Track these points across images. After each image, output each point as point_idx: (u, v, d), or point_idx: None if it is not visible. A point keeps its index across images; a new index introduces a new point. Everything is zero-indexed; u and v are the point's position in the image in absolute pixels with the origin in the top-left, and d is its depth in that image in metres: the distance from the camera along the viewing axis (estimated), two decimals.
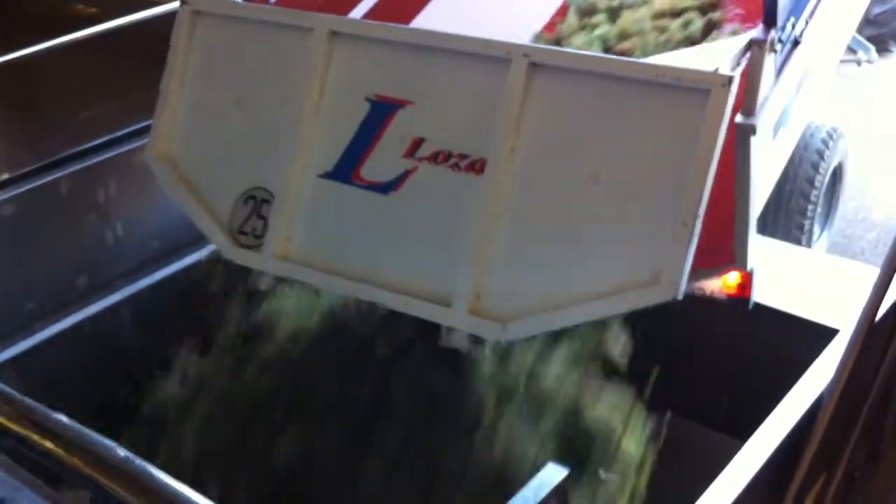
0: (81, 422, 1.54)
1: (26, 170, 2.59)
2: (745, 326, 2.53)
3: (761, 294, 2.51)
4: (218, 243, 2.17)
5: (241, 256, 2.14)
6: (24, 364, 2.64)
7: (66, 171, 2.64)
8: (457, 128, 1.98)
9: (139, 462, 0.97)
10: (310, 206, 2.07)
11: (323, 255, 2.05)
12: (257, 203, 2.09)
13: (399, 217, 1.98)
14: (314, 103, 2.09)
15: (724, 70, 1.77)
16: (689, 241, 1.71)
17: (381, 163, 2.03)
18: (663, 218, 1.74)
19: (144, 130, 2.74)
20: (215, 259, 2.92)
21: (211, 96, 2.26)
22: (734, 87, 1.73)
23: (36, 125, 3.10)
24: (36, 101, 3.33)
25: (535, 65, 1.89)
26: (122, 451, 0.98)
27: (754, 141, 1.81)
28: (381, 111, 2.05)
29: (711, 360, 2.59)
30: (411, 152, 2.00)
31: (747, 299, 2.50)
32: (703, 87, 1.74)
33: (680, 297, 1.69)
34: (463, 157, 1.94)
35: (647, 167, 1.79)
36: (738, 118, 1.81)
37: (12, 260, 2.58)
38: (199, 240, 3.00)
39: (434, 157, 1.97)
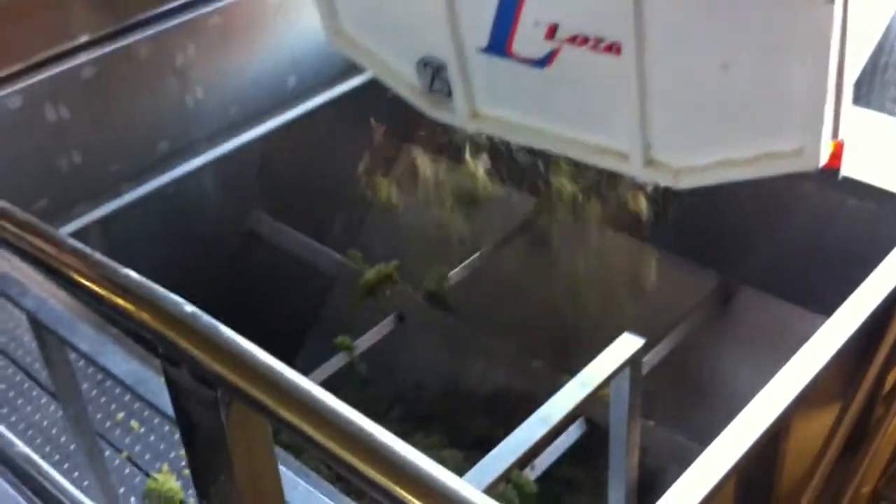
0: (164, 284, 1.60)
1: (105, 32, 2.58)
2: (832, 198, 2.45)
3: (851, 166, 2.42)
4: (418, 104, 2.28)
5: (439, 113, 2.28)
6: (110, 225, 2.71)
7: (145, 34, 2.62)
8: (584, 13, 2.01)
9: (206, 318, 0.98)
10: (480, 76, 2.18)
11: (504, 116, 2.20)
12: (434, 69, 2.18)
13: (560, 88, 2.08)
14: None
15: None
16: (822, 119, 1.78)
17: (527, 42, 2.10)
18: (797, 99, 1.79)
19: None
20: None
21: None
22: None
23: None
24: None
25: None
26: (189, 307, 0.99)
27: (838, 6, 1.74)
28: None
29: (796, 233, 2.53)
30: (551, 35, 2.06)
31: (837, 170, 2.41)
32: None
33: (820, 166, 1.85)
34: (598, 40, 1.99)
35: (775, 54, 1.77)
36: None
37: (95, 122, 2.60)
38: (276, 106, 3.01)
39: (573, 40, 2.03)
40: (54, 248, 1.05)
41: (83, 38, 2.54)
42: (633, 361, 1.48)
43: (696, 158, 1.99)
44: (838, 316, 1.94)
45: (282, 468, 1.83)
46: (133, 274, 1.03)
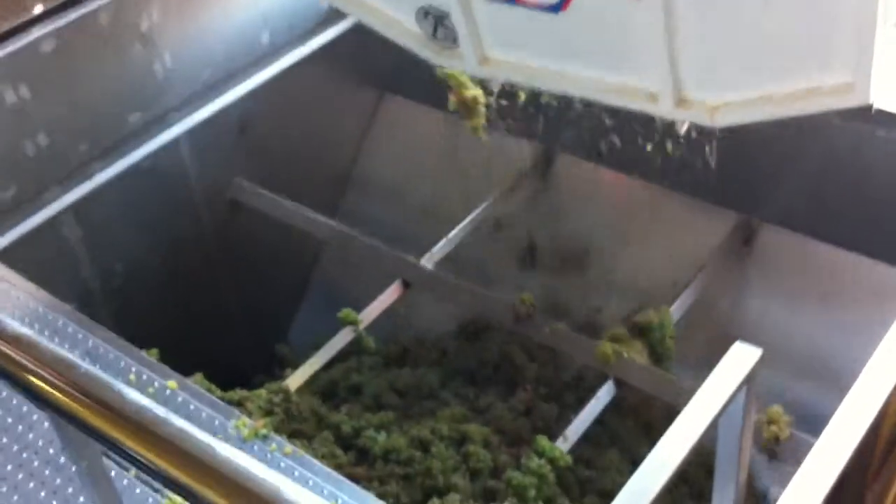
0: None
1: (61, 0, 2.36)
2: (859, 130, 2.30)
3: (880, 96, 2.27)
4: (423, 53, 2.07)
5: (447, 61, 2.09)
6: (84, 209, 2.51)
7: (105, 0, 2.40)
8: None
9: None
10: (487, 23, 1.98)
11: (518, 60, 2.01)
12: (436, 17, 1.99)
13: (579, 31, 1.89)
14: None
15: None
16: (872, 52, 1.61)
17: None
18: (845, 28, 1.62)
19: None
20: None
21: None
22: None
23: None
24: None
25: None
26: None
27: None
28: None
29: (820, 167, 2.39)
30: None
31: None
32: None
33: (870, 103, 1.66)
34: None
35: None
36: None
37: (58, 100, 2.38)
38: (250, 65, 2.81)
39: None
40: None
41: (38, 9, 2.31)
42: (751, 377, 1.23)
43: (734, 94, 1.82)
44: None
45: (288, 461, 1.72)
46: None
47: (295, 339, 3.13)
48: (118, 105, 2.53)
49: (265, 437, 1.77)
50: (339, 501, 1.66)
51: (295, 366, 2.75)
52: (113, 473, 1.69)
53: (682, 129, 2.27)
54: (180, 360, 2.29)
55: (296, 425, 2.26)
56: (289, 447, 1.75)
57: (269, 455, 1.74)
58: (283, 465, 1.72)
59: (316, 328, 3.01)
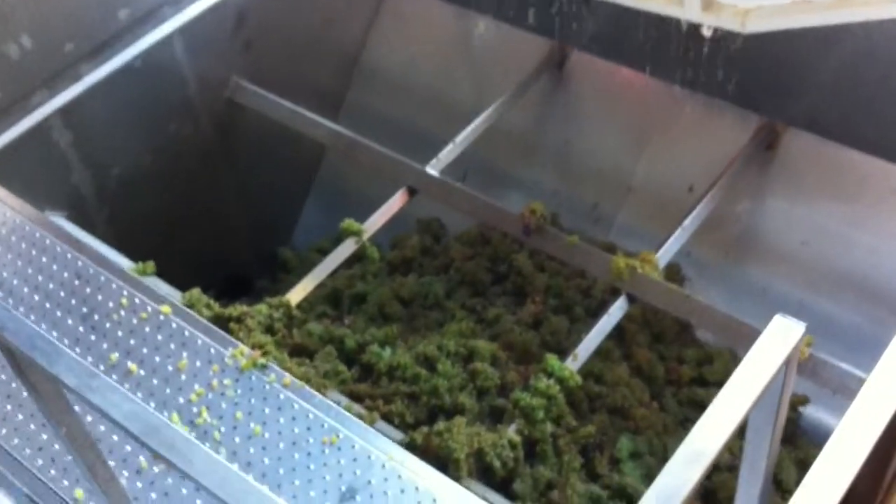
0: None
1: None
2: (883, 27, 2.14)
3: None
4: None
5: None
6: (74, 112, 2.40)
7: None
8: None
9: None
10: None
11: None
12: None
13: None
14: None
15: None
16: None
17: None
18: None
19: None
20: None
21: None
22: None
23: None
24: None
25: None
26: None
27: None
28: None
29: (844, 67, 2.24)
30: None
31: None
32: None
33: None
34: None
35: None
36: None
37: None
38: None
39: None
40: None
41: None
42: (791, 356, 1.06)
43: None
44: None
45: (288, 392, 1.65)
46: None
47: (298, 244, 3.05)
48: (105, 0, 2.38)
49: (263, 367, 1.70)
50: (341, 435, 1.60)
51: (298, 271, 2.67)
52: None
53: (707, 31, 2.13)
54: (179, 267, 2.22)
55: (297, 340, 2.19)
56: (288, 378, 1.68)
57: (266, 386, 1.67)
58: (282, 396, 1.66)
59: (319, 233, 2.93)
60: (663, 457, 2.14)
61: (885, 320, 2.32)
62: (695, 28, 2.26)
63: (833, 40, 2.20)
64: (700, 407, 2.28)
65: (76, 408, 1.16)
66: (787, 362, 1.02)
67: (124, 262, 2.08)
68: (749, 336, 2.06)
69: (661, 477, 0.93)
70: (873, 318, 2.34)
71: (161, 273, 2.09)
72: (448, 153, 2.50)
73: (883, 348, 1.17)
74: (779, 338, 1.03)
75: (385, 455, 1.57)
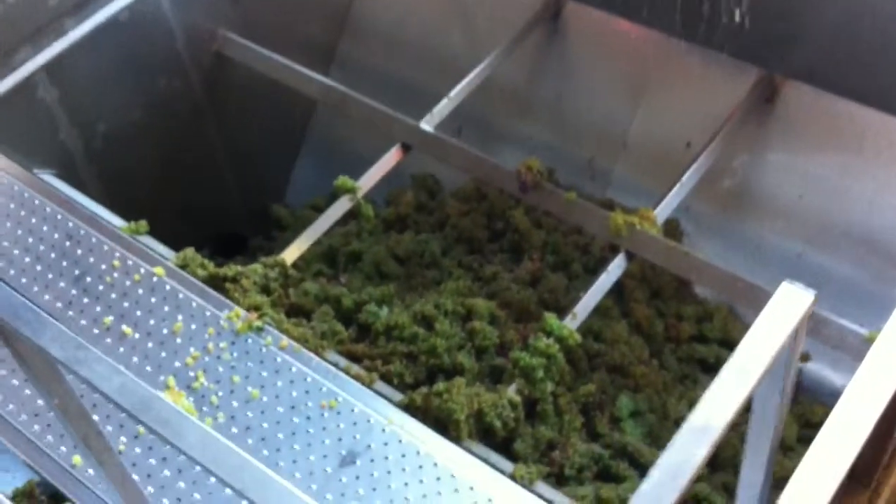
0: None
1: None
2: None
3: None
4: None
5: None
6: (60, 68, 2.34)
7: None
8: None
9: None
10: None
11: None
12: None
13: None
14: None
15: None
16: None
17: None
18: None
19: None
20: None
21: None
22: None
23: None
24: None
25: None
26: None
27: None
28: None
29: (845, 17, 2.20)
30: None
31: None
32: None
33: None
34: None
35: None
36: None
37: None
38: None
39: None
40: None
41: None
42: (800, 326, 1.02)
43: None
44: None
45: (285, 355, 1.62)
46: None
47: (292, 201, 3.01)
48: None
49: (259, 330, 1.67)
50: (339, 399, 1.58)
51: (293, 228, 2.64)
52: None
53: None
54: (172, 225, 2.19)
55: (294, 300, 2.16)
56: (285, 340, 1.66)
57: (263, 349, 1.65)
58: (279, 360, 1.63)
59: (312, 190, 2.89)
60: (663, 414, 2.13)
61: (883, 273, 2.31)
62: None
63: None
64: (699, 363, 2.27)
65: (69, 377, 1.13)
66: (795, 332, 0.99)
67: (116, 221, 2.04)
68: (748, 292, 2.05)
69: (666, 453, 0.90)
70: (872, 272, 2.33)
71: (154, 231, 2.05)
72: (442, 108, 2.46)
73: (882, 301, 1.15)
74: (787, 306, 1.00)
75: (385, 419, 1.55)
